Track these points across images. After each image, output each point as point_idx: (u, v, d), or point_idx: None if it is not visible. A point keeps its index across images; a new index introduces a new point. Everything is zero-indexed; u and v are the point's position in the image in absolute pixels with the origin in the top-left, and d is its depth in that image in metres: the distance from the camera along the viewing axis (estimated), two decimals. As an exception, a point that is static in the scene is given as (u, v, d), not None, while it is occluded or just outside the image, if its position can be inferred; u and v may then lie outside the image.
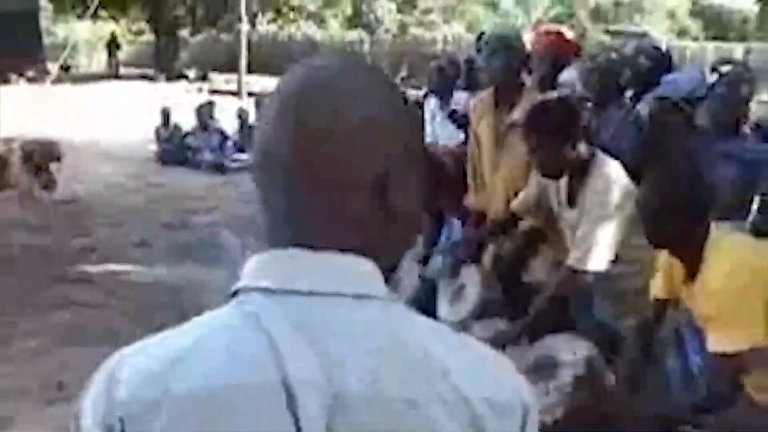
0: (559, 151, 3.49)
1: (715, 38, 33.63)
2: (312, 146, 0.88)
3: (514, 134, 4.10)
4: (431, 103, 6.94)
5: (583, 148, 3.52)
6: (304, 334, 0.84)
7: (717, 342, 2.76)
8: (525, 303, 3.73)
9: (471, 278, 4.03)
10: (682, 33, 36.84)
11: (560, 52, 5.19)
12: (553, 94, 4.43)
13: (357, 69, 0.94)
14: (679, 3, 39.66)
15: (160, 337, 0.91)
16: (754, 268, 2.75)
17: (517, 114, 4.07)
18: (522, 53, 4.24)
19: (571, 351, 3.25)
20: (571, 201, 3.66)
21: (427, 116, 6.83)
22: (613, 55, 5.02)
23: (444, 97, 6.72)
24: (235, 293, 0.90)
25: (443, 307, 4.08)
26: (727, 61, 4.59)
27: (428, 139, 6.47)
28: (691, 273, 2.89)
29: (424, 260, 4.85)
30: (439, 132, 6.64)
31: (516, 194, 4.06)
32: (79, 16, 30.13)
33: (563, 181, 3.68)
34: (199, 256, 7.30)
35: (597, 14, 37.75)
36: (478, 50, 6.00)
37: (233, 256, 7.32)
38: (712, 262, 2.80)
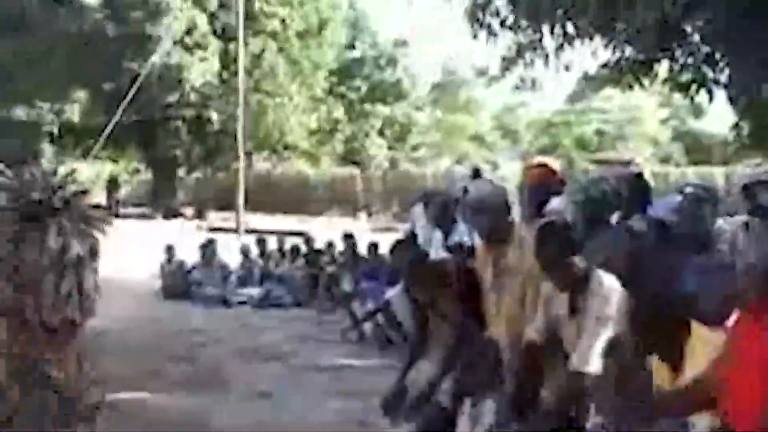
0: (568, 263, 3.90)
1: (696, 163, 34.59)
2: None
3: (508, 276, 4.49)
4: (436, 236, 7.20)
5: (580, 263, 3.90)
6: None
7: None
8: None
9: (488, 410, 4.27)
10: (665, 159, 37.85)
11: (549, 183, 5.62)
12: (545, 220, 4.80)
13: None
14: (660, 130, 40.86)
15: None
16: None
17: (510, 259, 4.45)
18: (505, 209, 4.64)
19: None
20: (572, 312, 3.98)
21: (433, 247, 7.05)
22: (604, 186, 5.32)
23: (446, 229, 7.05)
24: None
25: None
26: (688, 184, 5.06)
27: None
28: (675, 370, 3.16)
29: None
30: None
31: (516, 329, 4.35)
32: (84, 156, 30.52)
33: (564, 295, 4.01)
34: (204, 386, 7.49)
35: (581, 143, 38.85)
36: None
37: (240, 385, 7.52)
38: (694, 358, 3.08)
